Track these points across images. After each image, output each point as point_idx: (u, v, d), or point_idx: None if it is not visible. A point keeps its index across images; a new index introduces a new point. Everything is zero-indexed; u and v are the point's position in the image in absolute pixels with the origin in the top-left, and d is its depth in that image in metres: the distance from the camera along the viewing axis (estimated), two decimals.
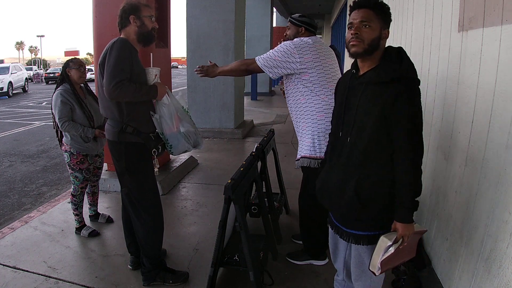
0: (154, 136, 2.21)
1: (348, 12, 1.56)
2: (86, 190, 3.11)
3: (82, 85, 2.93)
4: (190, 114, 2.38)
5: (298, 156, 2.40)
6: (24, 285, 2.35)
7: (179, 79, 24.92)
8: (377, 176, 1.50)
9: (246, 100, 9.84)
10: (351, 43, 1.47)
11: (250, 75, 11.84)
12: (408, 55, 1.51)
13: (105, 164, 3.93)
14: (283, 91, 2.55)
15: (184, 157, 4.74)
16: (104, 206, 3.55)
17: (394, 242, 1.47)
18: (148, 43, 2.20)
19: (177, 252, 2.74)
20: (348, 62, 5.75)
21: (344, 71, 1.78)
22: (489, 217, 1.55)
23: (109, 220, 3.23)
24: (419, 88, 1.48)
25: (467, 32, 1.86)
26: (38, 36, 73.01)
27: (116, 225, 3.12)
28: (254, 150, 2.71)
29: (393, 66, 1.45)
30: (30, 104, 13.68)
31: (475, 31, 1.76)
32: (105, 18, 3.65)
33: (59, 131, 2.88)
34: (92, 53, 4.55)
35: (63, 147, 2.91)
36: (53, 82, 22.25)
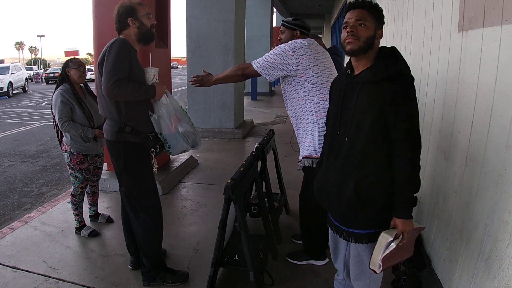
0: (152, 136, 2.21)
1: (344, 14, 1.58)
2: (86, 190, 3.11)
3: (82, 85, 2.93)
4: (189, 114, 2.38)
5: (300, 157, 2.40)
6: (24, 285, 2.35)
7: (179, 79, 24.92)
8: (376, 175, 1.51)
9: (246, 100, 9.84)
10: (347, 41, 1.50)
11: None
12: (401, 54, 1.53)
13: (105, 164, 3.93)
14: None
15: (184, 157, 4.74)
16: (104, 206, 3.55)
17: (395, 238, 1.48)
18: (149, 41, 2.20)
19: (177, 252, 2.74)
20: None
21: None
22: (489, 217, 1.55)
23: (109, 220, 3.23)
24: (414, 86, 1.50)
25: (467, 32, 1.86)
26: (38, 36, 73.10)
27: (116, 225, 3.12)
28: (254, 150, 2.71)
29: (389, 64, 1.47)
30: (30, 104, 13.68)
31: (475, 31, 1.76)
32: (105, 18, 3.64)
33: (59, 131, 2.88)
34: (92, 53, 4.55)
35: (63, 147, 2.91)
36: (53, 82, 22.25)
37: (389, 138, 1.48)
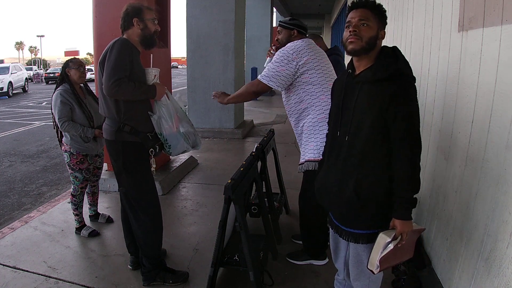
0: (151, 135, 2.21)
1: (347, 13, 1.57)
2: (86, 190, 3.11)
3: (82, 85, 2.93)
4: (189, 114, 2.39)
5: (302, 160, 2.39)
6: (24, 285, 2.35)
7: (179, 79, 24.92)
8: (375, 175, 1.51)
9: None
10: (349, 40, 1.49)
11: (250, 76, 11.86)
12: (403, 53, 1.52)
13: (105, 164, 3.94)
14: None
15: (184, 157, 4.74)
16: (104, 206, 3.55)
17: (393, 239, 1.48)
18: (150, 46, 2.21)
19: (177, 252, 2.74)
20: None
21: None
22: (489, 217, 1.55)
23: (109, 220, 3.23)
24: (415, 86, 1.49)
25: (467, 32, 1.86)
26: (38, 36, 73.02)
27: (116, 225, 3.12)
28: (254, 150, 2.71)
29: (389, 63, 1.46)
30: (30, 104, 13.68)
31: (475, 31, 1.76)
32: (105, 18, 3.65)
33: (59, 131, 2.88)
34: (92, 53, 4.55)
35: (63, 147, 2.91)
36: (53, 82, 22.24)
37: (389, 138, 1.47)
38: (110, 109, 2.15)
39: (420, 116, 1.55)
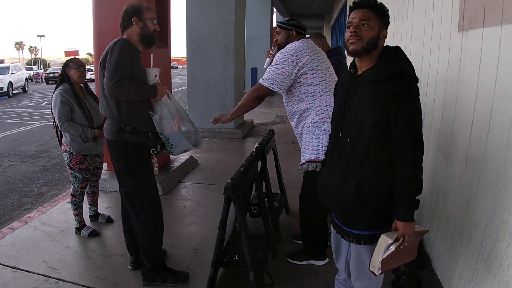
0: (153, 135, 2.21)
1: (347, 13, 1.57)
2: (86, 190, 3.11)
3: (82, 85, 2.93)
4: (190, 114, 2.39)
5: (302, 161, 2.39)
6: (24, 285, 2.35)
7: (179, 79, 24.92)
8: (377, 175, 1.50)
9: None
10: (349, 41, 1.48)
11: (250, 76, 11.86)
12: (405, 53, 1.51)
13: (105, 164, 3.94)
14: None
15: (184, 157, 4.74)
16: (104, 206, 3.55)
17: (395, 241, 1.47)
18: (149, 45, 2.21)
19: (177, 252, 2.74)
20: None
21: None
22: (489, 217, 1.55)
23: (109, 220, 3.23)
24: (417, 86, 1.48)
25: (467, 32, 1.86)
26: (38, 36, 73.04)
27: (116, 225, 3.12)
28: (254, 150, 2.71)
29: (391, 63, 1.45)
30: (30, 104, 13.68)
31: (475, 31, 1.76)
32: (105, 18, 3.65)
33: (59, 131, 2.88)
34: (92, 53, 4.55)
35: (62, 147, 2.91)
36: (53, 82, 22.24)
37: (390, 138, 1.46)
38: (111, 109, 2.15)
39: None
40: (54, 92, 2.81)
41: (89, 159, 2.95)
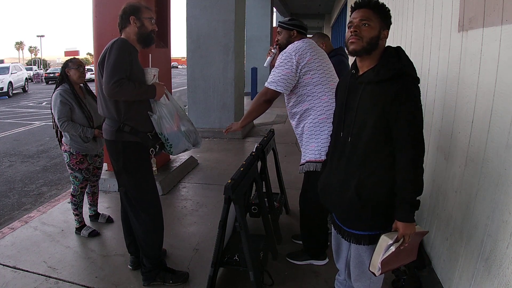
0: (152, 135, 2.21)
1: (348, 13, 1.57)
2: (86, 190, 3.11)
3: (81, 85, 2.93)
4: (189, 114, 2.39)
5: (303, 161, 2.38)
6: (24, 285, 2.34)
7: (179, 79, 24.92)
8: (378, 175, 1.50)
9: (246, 100, 9.81)
10: (350, 41, 1.49)
11: (250, 76, 11.85)
12: (406, 53, 1.51)
13: (105, 164, 3.93)
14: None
15: (184, 157, 4.74)
16: (104, 206, 3.55)
17: (395, 242, 1.47)
18: (147, 44, 2.21)
19: (177, 252, 2.74)
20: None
21: None
22: (489, 217, 1.55)
23: (109, 220, 3.23)
24: (418, 87, 1.48)
25: (467, 32, 1.86)
26: (38, 36, 73.03)
27: (116, 225, 3.12)
28: (254, 150, 2.71)
29: (392, 63, 1.45)
30: (30, 104, 13.68)
31: (475, 31, 1.76)
32: (105, 18, 3.65)
33: (58, 131, 2.88)
34: (92, 53, 4.55)
35: (62, 147, 2.91)
36: (53, 82, 22.22)
37: (391, 139, 1.46)
38: (109, 110, 2.15)
39: None
40: (53, 92, 2.81)
41: (89, 159, 2.95)
